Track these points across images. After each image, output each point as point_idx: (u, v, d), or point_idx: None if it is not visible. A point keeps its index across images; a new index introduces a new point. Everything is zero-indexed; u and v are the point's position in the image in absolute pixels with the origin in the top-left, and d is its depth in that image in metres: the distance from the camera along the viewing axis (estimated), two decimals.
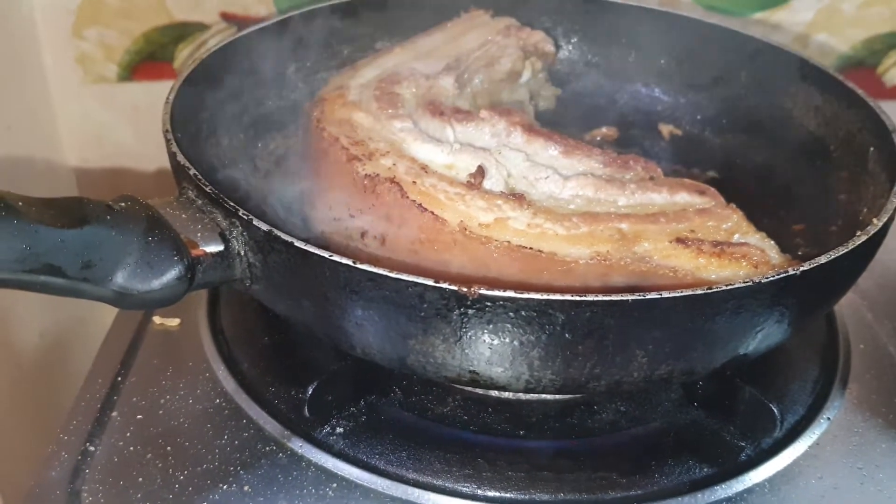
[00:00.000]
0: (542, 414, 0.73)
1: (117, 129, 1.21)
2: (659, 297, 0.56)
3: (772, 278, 0.58)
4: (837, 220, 0.79)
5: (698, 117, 1.01)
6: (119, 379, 0.74)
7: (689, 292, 0.56)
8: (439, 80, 0.84)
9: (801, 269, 0.59)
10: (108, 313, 0.83)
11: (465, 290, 0.56)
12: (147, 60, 1.16)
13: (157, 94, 0.75)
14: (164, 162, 0.71)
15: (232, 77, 0.85)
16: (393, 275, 0.57)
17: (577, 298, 0.56)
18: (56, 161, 1.20)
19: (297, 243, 0.60)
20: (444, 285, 0.56)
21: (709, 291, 0.57)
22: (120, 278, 0.59)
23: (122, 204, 0.61)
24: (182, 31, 1.14)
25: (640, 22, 1.01)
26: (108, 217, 0.59)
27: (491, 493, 0.66)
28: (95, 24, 1.13)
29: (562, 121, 0.95)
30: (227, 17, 1.13)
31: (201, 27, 1.14)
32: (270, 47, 0.90)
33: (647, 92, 1.04)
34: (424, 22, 0.96)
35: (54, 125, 1.19)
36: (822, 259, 0.60)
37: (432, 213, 0.67)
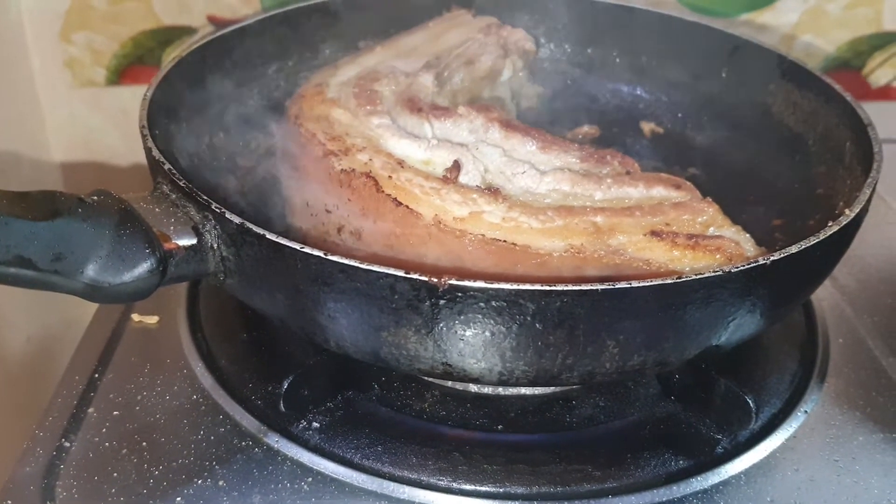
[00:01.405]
0: (520, 409, 0.73)
1: (105, 133, 1.21)
2: (629, 286, 0.56)
3: (742, 268, 0.58)
4: (815, 215, 0.78)
5: (679, 115, 1.01)
6: (96, 376, 0.74)
7: (659, 281, 0.56)
8: (419, 77, 0.84)
9: (772, 258, 0.59)
10: None
11: (435, 280, 0.56)
12: (135, 64, 1.17)
13: None
14: None
15: (212, 75, 0.86)
16: (364, 266, 0.57)
17: (547, 288, 0.56)
18: (44, 164, 1.20)
19: (269, 236, 0.60)
20: (415, 276, 0.56)
21: (679, 281, 0.57)
22: (91, 271, 0.59)
23: (95, 197, 0.61)
24: (170, 35, 1.15)
25: (620, 20, 1.02)
26: (80, 210, 0.59)
27: (466, 487, 0.66)
28: (83, 29, 1.13)
29: (544, 119, 0.96)
30: (214, 21, 1.14)
31: (189, 31, 1.15)
32: (251, 46, 0.90)
33: (629, 90, 1.05)
34: (406, 21, 0.97)
35: (43, 129, 1.19)
36: (793, 248, 0.60)
37: (407, 206, 0.67)
